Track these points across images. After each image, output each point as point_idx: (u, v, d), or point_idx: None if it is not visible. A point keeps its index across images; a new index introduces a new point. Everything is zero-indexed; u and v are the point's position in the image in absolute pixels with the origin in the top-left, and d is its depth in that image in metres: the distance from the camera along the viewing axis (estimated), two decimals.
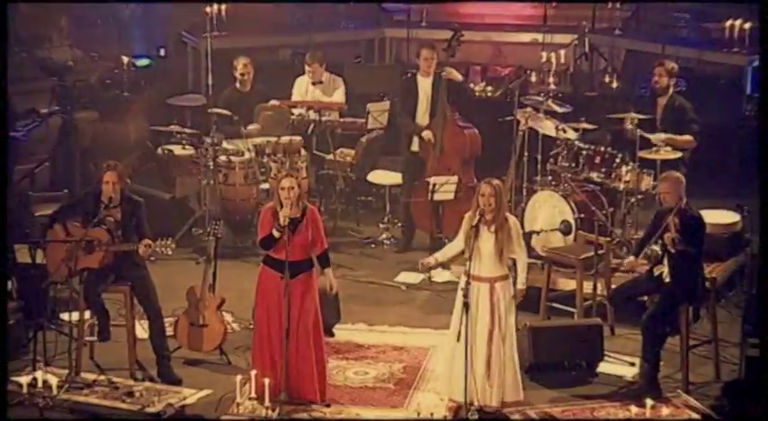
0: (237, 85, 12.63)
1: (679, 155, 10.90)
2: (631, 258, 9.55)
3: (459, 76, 11.94)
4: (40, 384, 8.81)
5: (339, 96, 12.78)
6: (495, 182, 8.84)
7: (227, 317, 10.11)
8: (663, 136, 10.93)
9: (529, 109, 11.58)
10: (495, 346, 8.79)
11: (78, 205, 9.63)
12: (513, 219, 8.90)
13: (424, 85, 11.84)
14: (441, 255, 9.22)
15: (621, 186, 11.06)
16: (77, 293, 9.44)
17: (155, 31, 15.39)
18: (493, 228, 8.75)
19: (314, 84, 12.73)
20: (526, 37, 15.87)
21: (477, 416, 8.76)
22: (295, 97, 12.78)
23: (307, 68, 12.76)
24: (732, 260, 10.86)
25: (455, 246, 9.01)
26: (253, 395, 8.78)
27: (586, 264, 10.27)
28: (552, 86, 14.24)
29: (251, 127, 12.33)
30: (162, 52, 15.34)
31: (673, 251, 9.06)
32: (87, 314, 9.50)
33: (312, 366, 8.96)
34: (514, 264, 9.23)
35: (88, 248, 9.29)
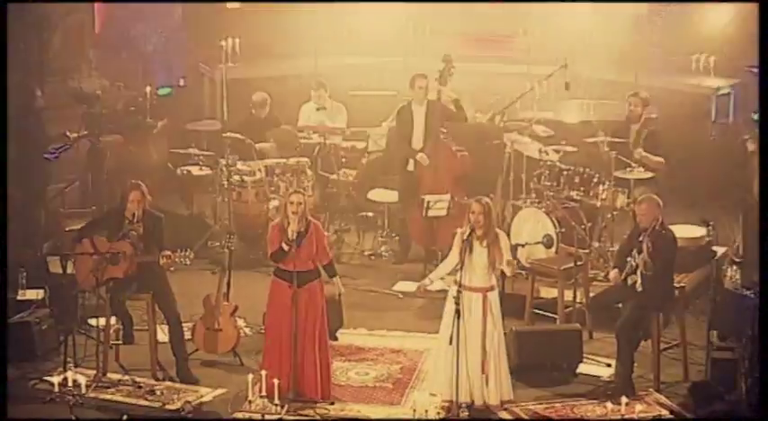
0: (253, 111, 12.66)
1: (650, 175, 10.93)
2: (615, 271, 9.51)
3: (452, 95, 11.96)
4: (70, 383, 8.80)
5: (341, 121, 12.78)
6: (485, 200, 8.86)
7: (240, 323, 10.12)
8: (642, 152, 10.94)
9: (515, 133, 11.59)
10: (489, 350, 8.78)
11: (105, 221, 9.65)
12: (502, 234, 8.91)
13: (419, 111, 11.85)
14: (435, 276, 9.18)
15: (598, 203, 11.08)
16: (104, 301, 9.45)
17: (175, 63, 15.41)
18: (485, 243, 8.76)
19: (318, 109, 12.75)
20: (513, 68, 15.85)
21: (467, 414, 8.77)
22: (300, 122, 12.80)
23: (312, 93, 12.77)
24: (699, 270, 10.86)
25: (448, 264, 8.97)
26: (263, 393, 8.78)
27: (567, 275, 10.28)
28: (536, 113, 14.22)
29: (265, 145, 12.35)
30: (181, 82, 15.35)
31: (645, 271, 9.07)
32: (113, 320, 9.52)
33: (317, 367, 8.96)
34: (502, 274, 9.25)
35: (113, 260, 9.30)
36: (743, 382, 8.88)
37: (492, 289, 8.86)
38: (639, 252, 9.12)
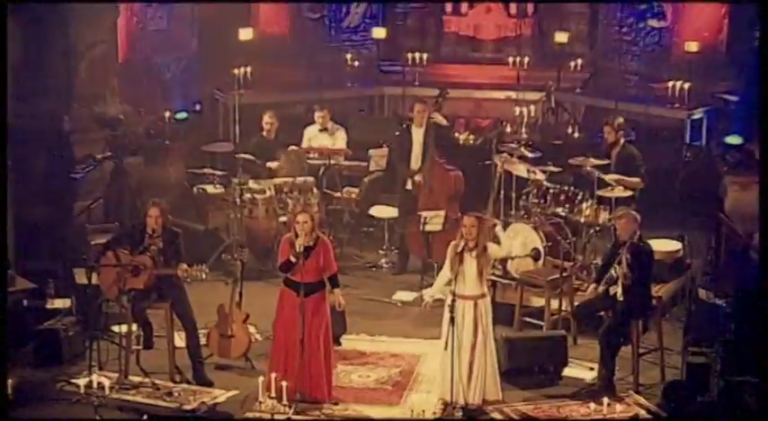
0: (264, 133, 12.68)
1: (630, 193, 10.95)
2: (593, 286, 9.55)
3: (443, 121, 12.02)
4: (94, 385, 8.79)
5: (341, 142, 12.80)
6: (476, 214, 8.91)
7: (252, 330, 10.10)
8: (615, 176, 10.99)
9: (505, 154, 11.61)
10: (477, 354, 8.79)
11: (127, 235, 9.64)
12: (490, 244, 8.93)
13: (417, 134, 11.89)
14: (435, 291, 9.16)
15: (582, 219, 11.07)
16: (126, 309, 9.45)
17: (191, 90, 15.45)
18: (474, 254, 8.79)
19: (320, 130, 12.78)
20: (502, 94, 15.90)
21: (461, 414, 8.77)
22: (304, 143, 12.81)
23: (317, 113, 12.79)
24: (675, 281, 10.87)
25: (444, 277, 8.97)
26: (272, 395, 8.78)
27: (553, 285, 10.29)
28: (524, 136, 14.26)
29: (273, 164, 12.39)
30: (197, 107, 15.39)
31: (624, 282, 9.10)
32: (134, 327, 9.51)
33: (322, 371, 8.97)
34: (493, 284, 9.24)
35: (135, 272, 9.29)
36: (715, 384, 8.90)
37: (482, 297, 8.87)
38: (620, 263, 9.14)
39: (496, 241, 9.30)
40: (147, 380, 9.37)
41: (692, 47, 14.84)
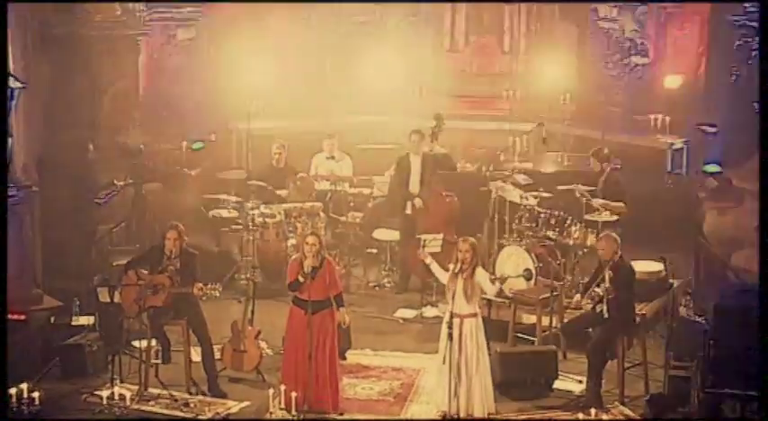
0: (274, 161, 12.73)
1: (615, 218, 10.99)
2: (578, 297, 9.61)
3: (442, 150, 12.10)
4: (116, 397, 8.84)
5: (347, 170, 12.85)
6: (471, 240, 8.92)
7: (263, 345, 10.12)
8: (600, 201, 11.04)
9: (499, 181, 11.66)
10: (462, 369, 8.75)
11: (147, 257, 9.68)
12: (479, 269, 8.91)
13: (415, 161, 11.95)
14: (433, 265, 9.13)
15: (571, 242, 11.11)
16: (145, 326, 9.49)
17: (207, 121, 15.49)
18: (464, 276, 8.80)
19: (327, 158, 12.83)
20: (497, 125, 15.95)
21: None
22: (312, 171, 12.87)
23: (326, 142, 12.86)
24: (658, 300, 10.87)
25: (442, 276, 9.00)
26: (282, 406, 8.80)
27: (544, 303, 10.31)
28: (517, 164, 14.31)
29: (282, 192, 12.44)
30: (212, 137, 15.42)
31: (608, 297, 9.13)
32: (153, 342, 9.54)
33: (329, 383, 8.99)
34: (488, 302, 9.24)
35: (154, 290, 9.34)
36: (695, 397, 8.92)
37: (471, 316, 8.82)
38: (603, 281, 9.18)
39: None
40: (165, 391, 9.39)
41: (673, 82, 14.92)
